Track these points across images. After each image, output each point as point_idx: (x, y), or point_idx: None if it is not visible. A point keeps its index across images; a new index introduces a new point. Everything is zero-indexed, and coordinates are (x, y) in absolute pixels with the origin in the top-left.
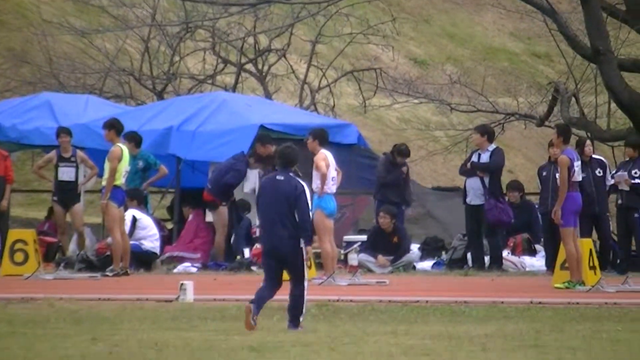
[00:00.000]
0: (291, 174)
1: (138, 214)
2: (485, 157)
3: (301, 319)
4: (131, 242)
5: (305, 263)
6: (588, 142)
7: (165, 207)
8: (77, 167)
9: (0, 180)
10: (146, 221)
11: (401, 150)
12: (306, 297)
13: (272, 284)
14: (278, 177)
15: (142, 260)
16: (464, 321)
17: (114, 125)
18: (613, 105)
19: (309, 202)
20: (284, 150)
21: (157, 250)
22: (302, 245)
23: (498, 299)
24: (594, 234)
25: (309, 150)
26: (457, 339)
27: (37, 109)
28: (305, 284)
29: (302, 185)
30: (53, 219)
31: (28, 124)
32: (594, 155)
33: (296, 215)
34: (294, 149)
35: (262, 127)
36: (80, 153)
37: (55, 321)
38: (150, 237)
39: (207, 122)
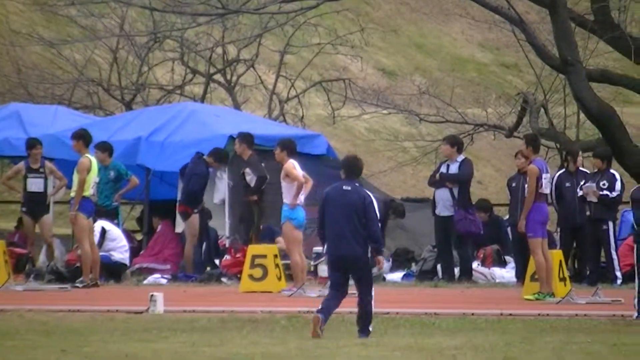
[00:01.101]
0: (357, 184)
1: (107, 225)
2: (454, 168)
3: (370, 328)
4: (101, 253)
5: (372, 272)
6: (580, 152)
7: (134, 219)
8: (45, 178)
9: None
10: (115, 232)
11: (398, 212)
12: (373, 305)
13: (339, 293)
14: (345, 188)
15: (112, 271)
16: (434, 333)
17: (82, 136)
18: (582, 116)
19: (377, 213)
20: (351, 161)
21: (127, 262)
22: (370, 254)
23: (468, 310)
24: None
25: (274, 161)
26: (427, 350)
27: (5, 120)
28: (372, 292)
29: (370, 196)
30: (22, 230)
31: None
32: (580, 168)
33: (363, 226)
34: (360, 159)
35: (230, 137)
36: (48, 164)
37: (25, 333)
38: (119, 248)
39: (176, 132)
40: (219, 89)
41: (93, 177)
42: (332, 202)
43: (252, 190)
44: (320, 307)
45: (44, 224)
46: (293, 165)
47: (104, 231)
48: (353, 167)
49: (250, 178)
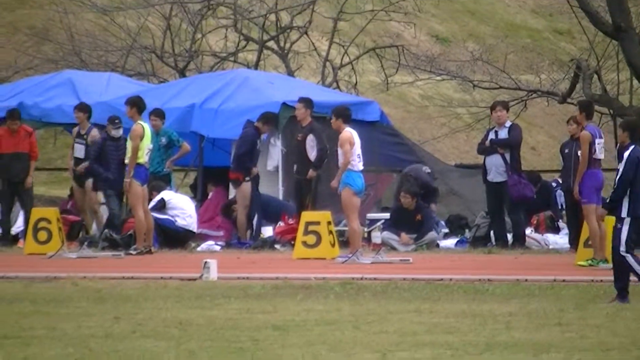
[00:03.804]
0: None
1: (168, 194)
2: (503, 134)
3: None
4: (164, 216)
5: None
6: None
7: (188, 185)
8: (87, 145)
9: (24, 156)
10: (176, 201)
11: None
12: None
13: None
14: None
15: (175, 237)
16: (487, 299)
17: (136, 103)
18: (635, 81)
19: None
20: (637, 123)
21: (193, 228)
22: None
23: (521, 276)
24: None
25: (327, 127)
26: (480, 317)
27: (59, 87)
28: None
29: None
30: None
31: (50, 102)
32: None
33: None
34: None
35: (284, 104)
36: (93, 131)
37: (79, 300)
38: (183, 215)
39: (229, 99)
40: (273, 56)
41: (147, 144)
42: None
43: (314, 165)
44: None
45: (87, 191)
46: (348, 135)
47: (162, 201)
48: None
49: (311, 147)
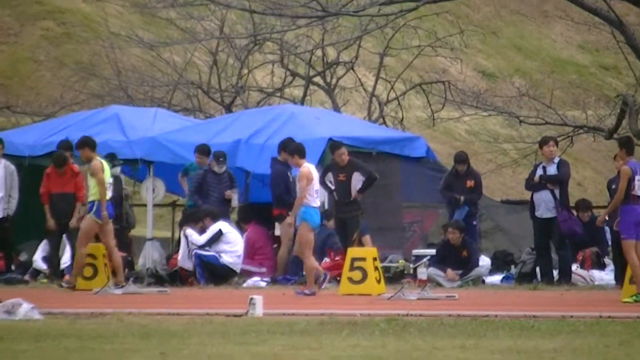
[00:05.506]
0: None
1: (226, 227)
2: (552, 170)
3: None
4: (210, 253)
5: None
6: None
7: (234, 222)
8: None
9: (70, 197)
10: (232, 237)
11: (457, 156)
12: None
13: None
14: None
15: (218, 273)
16: (532, 335)
17: (86, 143)
18: None
19: None
20: None
21: (237, 268)
22: None
23: (567, 313)
24: None
25: (374, 163)
26: (525, 353)
27: (105, 123)
28: None
29: None
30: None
31: (96, 137)
32: None
33: None
34: None
35: (330, 140)
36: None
37: (124, 336)
38: (231, 252)
39: (275, 135)
40: (319, 92)
41: (107, 179)
42: None
43: (361, 189)
44: None
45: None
46: (307, 172)
47: (220, 233)
48: None
49: (358, 182)
